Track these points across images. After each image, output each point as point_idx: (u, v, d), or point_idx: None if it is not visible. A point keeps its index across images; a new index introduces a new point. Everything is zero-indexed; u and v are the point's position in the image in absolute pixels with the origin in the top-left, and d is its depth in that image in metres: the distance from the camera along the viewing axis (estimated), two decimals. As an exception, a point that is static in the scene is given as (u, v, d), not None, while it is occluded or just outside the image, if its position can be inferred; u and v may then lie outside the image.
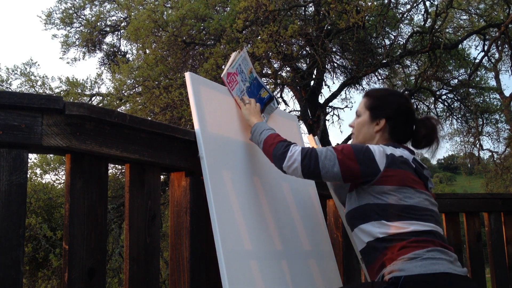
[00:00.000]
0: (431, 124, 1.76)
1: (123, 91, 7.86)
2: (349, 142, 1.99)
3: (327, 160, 1.60)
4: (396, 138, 1.75)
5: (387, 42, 9.07)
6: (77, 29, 10.19)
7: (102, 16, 10.05)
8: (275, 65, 8.22)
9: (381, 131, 1.75)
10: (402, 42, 9.18)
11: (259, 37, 6.99)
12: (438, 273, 1.45)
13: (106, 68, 10.45)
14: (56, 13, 9.91)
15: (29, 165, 1.45)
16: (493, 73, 12.18)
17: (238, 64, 2.01)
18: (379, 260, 1.55)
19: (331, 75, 9.64)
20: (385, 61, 8.29)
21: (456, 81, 10.40)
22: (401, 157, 1.63)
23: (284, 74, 9.01)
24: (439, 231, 1.59)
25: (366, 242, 1.61)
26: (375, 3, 7.99)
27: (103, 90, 11.41)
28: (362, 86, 10.03)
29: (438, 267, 1.46)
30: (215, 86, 1.91)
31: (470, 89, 10.01)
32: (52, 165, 8.10)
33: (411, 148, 1.79)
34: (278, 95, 9.12)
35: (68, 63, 16.01)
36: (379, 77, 9.71)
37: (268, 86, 5.07)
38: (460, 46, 9.54)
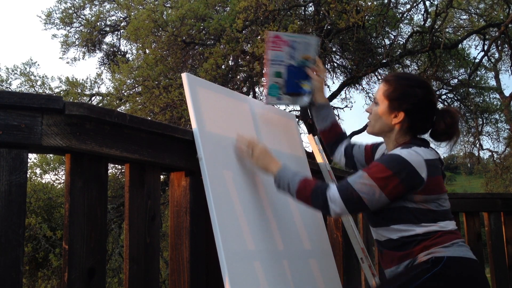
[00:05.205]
0: (452, 117, 1.66)
1: (123, 91, 7.86)
2: (376, 158, 1.86)
3: (371, 195, 1.54)
4: (415, 132, 1.68)
5: (387, 42, 9.08)
6: (77, 29, 10.21)
7: (102, 16, 10.06)
8: (275, 65, 8.19)
9: (400, 123, 1.67)
10: (402, 42, 9.19)
11: (259, 37, 6.99)
12: (473, 259, 1.56)
13: (106, 68, 10.47)
14: (56, 13, 9.93)
15: (29, 165, 1.45)
16: (493, 73, 12.18)
17: (294, 40, 1.96)
18: (407, 249, 1.57)
19: (331, 75, 9.64)
20: (385, 61, 8.29)
21: (456, 81, 10.39)
22: (433, 161, 1.59)
23: (284, 74, 8.99)
24: None
25: (397, 237, 1.60)
26: (375, 3, 8.00)
27: (103, 90, 11.43)
28: (362, 86, 10.04)
29: (471, 254, 1.58)
30: (212, 86, 1.91)
31: (470, 89, 10.01)
32: (52, 165, 8.11)
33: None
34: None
35: (68, 63, 16.00)
36: (379, 77, 9.70)
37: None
38: (460, 46, 9.54)
